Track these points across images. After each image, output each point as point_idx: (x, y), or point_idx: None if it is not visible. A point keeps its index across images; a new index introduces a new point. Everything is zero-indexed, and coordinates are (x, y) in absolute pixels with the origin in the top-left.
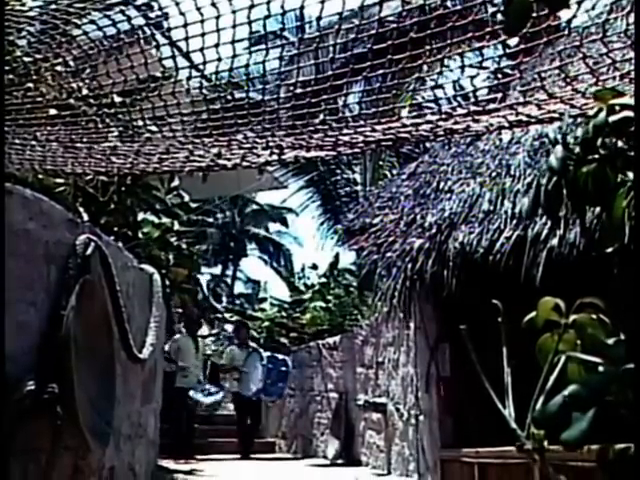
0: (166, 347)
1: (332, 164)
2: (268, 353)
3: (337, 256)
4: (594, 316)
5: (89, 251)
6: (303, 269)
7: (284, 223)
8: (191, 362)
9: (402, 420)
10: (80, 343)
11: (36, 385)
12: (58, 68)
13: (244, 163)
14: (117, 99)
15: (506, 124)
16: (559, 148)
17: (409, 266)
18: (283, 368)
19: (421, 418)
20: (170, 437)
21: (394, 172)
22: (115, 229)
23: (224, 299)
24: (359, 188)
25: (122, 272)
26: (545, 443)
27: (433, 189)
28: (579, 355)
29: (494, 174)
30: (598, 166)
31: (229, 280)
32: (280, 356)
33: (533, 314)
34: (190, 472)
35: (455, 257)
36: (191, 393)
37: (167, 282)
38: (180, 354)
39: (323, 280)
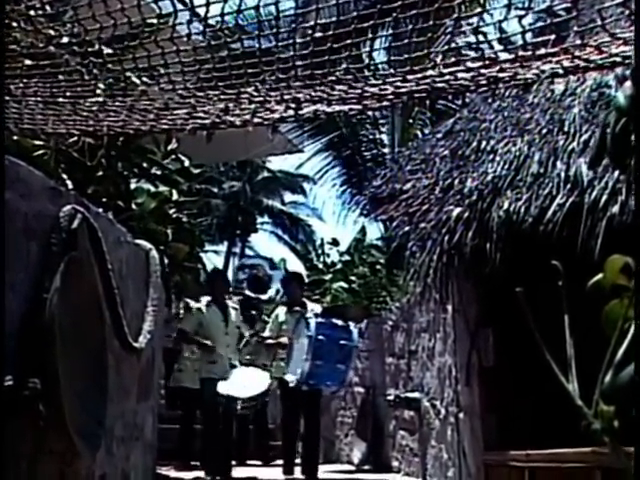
0: (181, 324)
1: (355, 123)
2: (319, 318)
3: (363, 229)
4: None
5: (75, 224)
6: (322, 245)
7: (301, 192)
8: (220, 341)
9: (439, 418)
10: (66, 330)
11: (15, 380)
12: (32, 12)
13: (255, 119)
14: (106, 49)
15: (560, 70)
16: (628, 84)
17: (446, 239)
18: (344, 341)
19: (461, 416)
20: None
21: (427, 131)
22: (104, 199)
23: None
24: (387, 150)
25: (114, 248)
26: (615, 423)
27: (473, 149)
28: None
29: (545, 131)
30: None
31: (237, 259)
32: (339, 322)
33: (600, 276)
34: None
35: (499, 228)
36: (220, 387)
37: (166, 260)
38: (203, 331)
39: (346, 258)
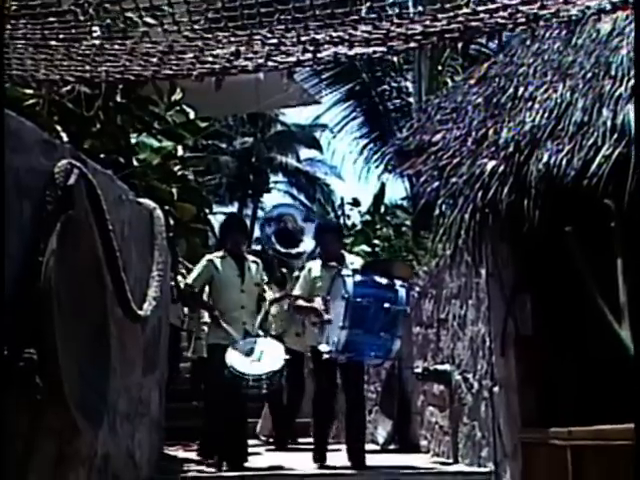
0: (189, 279)
1: (378, 70)
2: (358, 276)
3: (382, 187)
4: None
5: (72, 180)
6: (342, 205)
7: (318, 148)
8: (234, 300)
9: (471, 393)
10: (64, 297)
11: (9, 350)
12: None
13: (270, 63)
14: None
15: (608, 6)
16: None
17: (479, 195)
18: (388, 304)
19: (496, 390)
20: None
21: (457, 79)
22: (102, 155)
23: None
24: (413, 100)
25: (115, 207)
26: None
27: (510, 97)
28: None
29: (590, 75)
30: None
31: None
32: (383, 280)
33: None
34: (203, 462)
35: (538, 183)
36: (227, 358)
37: (171, 221)
38: (214, 287)
39: (367, 218)
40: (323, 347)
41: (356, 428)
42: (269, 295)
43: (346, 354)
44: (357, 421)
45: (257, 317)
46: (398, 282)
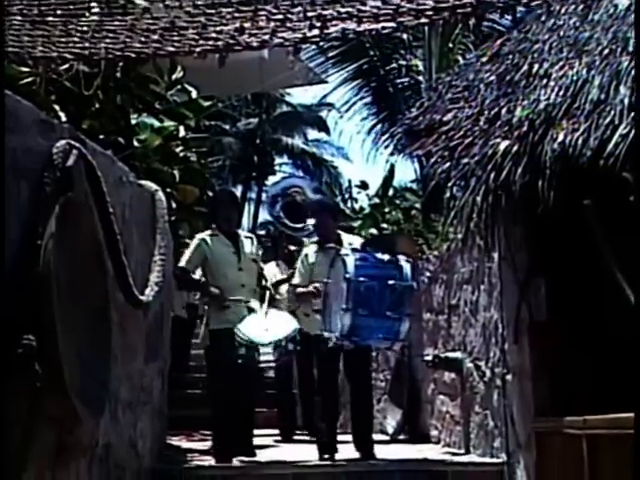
0: (181, 262)
1: (387, 48)
2: (358, 254)
3: (392, 169)
4: None
5: (71, 161)
6: (349, 188)
7: (324, 128)
8: (232, 279)
9: (483, 381)
10: (63, 281)
11: (8, 336)
12: None
13: (275, 40)
14: None
15: None
16: None
17: (492, 176)
18: (393, 281)
19: (509, 378)
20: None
21: (469, 57)
22: (102, 135)
23: None
24: (422, 79)
25: (115, 189)
26: None
27: (524, 74)
28: None
29: (607, 52)
30: None
31: (252, 205)
32: (385, 256)
33: None
34: (208, 452)
35: (553, 163)
36: (240, 330)
37: (173, 204)
38: (210, 268)
39: (375, 201)
40: (329, 334)
41: (362, 416)
42: (272, 273)
43: (352, 338)
44: (363, 409)
45: (259, 295)
46: (402, 257)
